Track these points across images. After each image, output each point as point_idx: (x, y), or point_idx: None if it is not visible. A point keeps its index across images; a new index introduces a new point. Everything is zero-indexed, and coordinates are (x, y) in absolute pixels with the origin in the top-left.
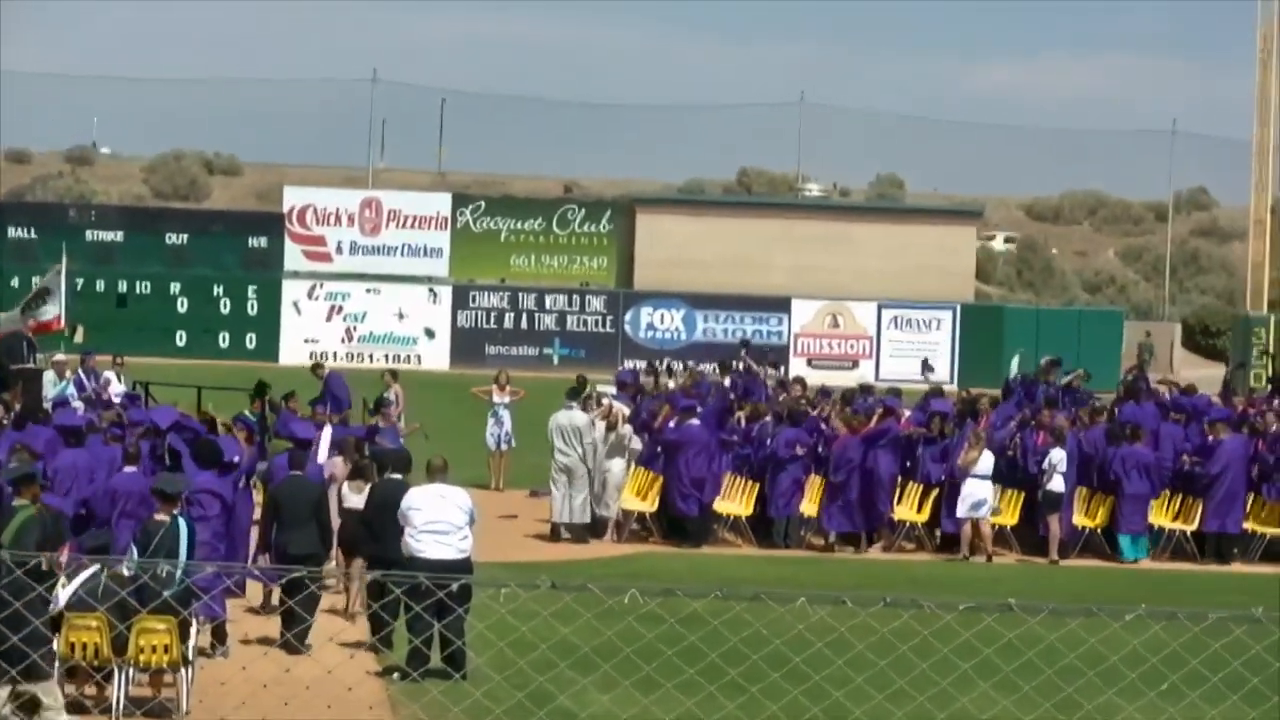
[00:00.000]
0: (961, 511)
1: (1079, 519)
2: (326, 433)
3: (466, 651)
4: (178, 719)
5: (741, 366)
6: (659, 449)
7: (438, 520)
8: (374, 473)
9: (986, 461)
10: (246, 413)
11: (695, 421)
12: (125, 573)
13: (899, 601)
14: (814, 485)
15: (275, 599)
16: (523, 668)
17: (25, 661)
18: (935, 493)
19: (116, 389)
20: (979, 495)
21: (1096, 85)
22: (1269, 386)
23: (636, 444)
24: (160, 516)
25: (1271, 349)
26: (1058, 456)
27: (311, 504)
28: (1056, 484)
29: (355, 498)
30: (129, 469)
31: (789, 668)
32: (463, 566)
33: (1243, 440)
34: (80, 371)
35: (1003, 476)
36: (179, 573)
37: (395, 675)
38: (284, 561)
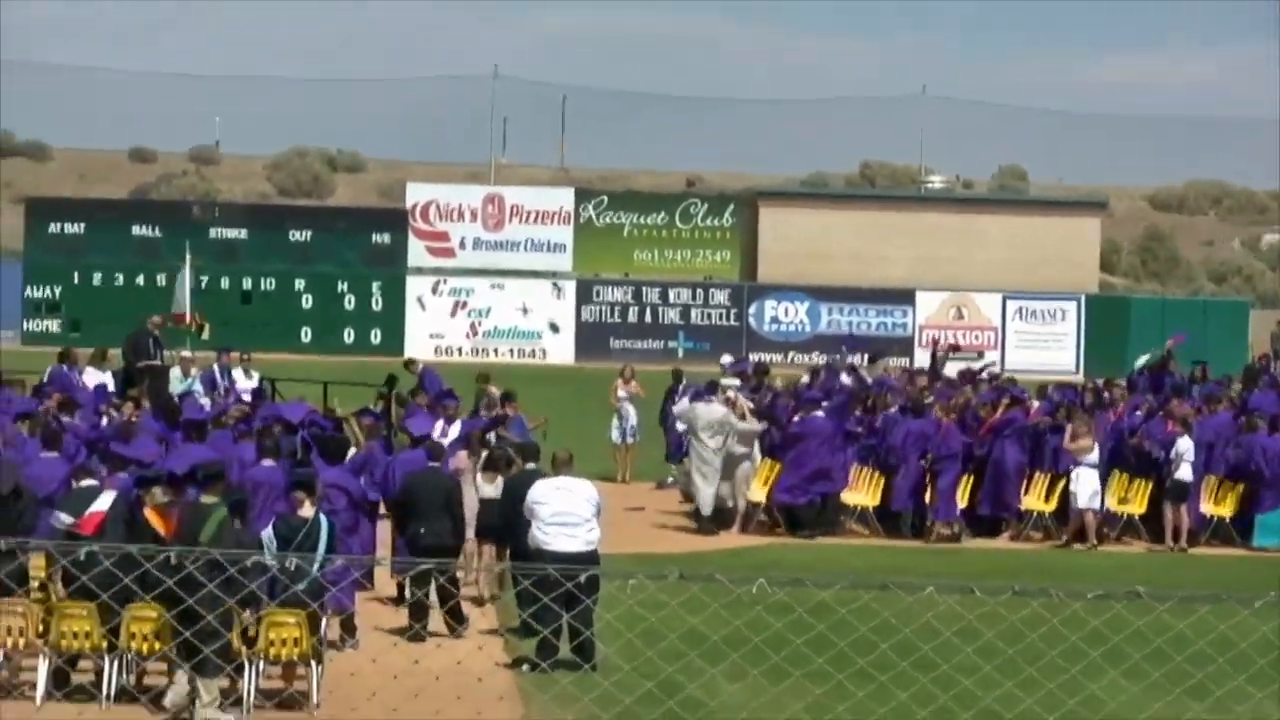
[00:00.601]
0: (1082, 502)
1: (1207, 507)
2: (455, 426)
3: (595, 642)
4: (309, 711)
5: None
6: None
7: (564, 513)
8: (504, 465)
9: (1095, 451)
10: (370, 407)
11: (819, 414)
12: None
13: (1027, 590)
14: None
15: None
16: (651, 658)
17: (199, 656)
18: (1062, 482)
19: (243, 385)
20: (1094, 485)
21: (1221, 75)
22: None
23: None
24: (304, 512)
25: None
26: (1184, 445)
27: (445, 495)
28: (1184, 473)
29: (489, 488)
30: (267, 462)
31: (917, 656)
32: (590, 558)
33: None
34: (215, 368)
35: (1130, 466)
36: (315, 568)
37: (525, 666)
38: (416, 552)
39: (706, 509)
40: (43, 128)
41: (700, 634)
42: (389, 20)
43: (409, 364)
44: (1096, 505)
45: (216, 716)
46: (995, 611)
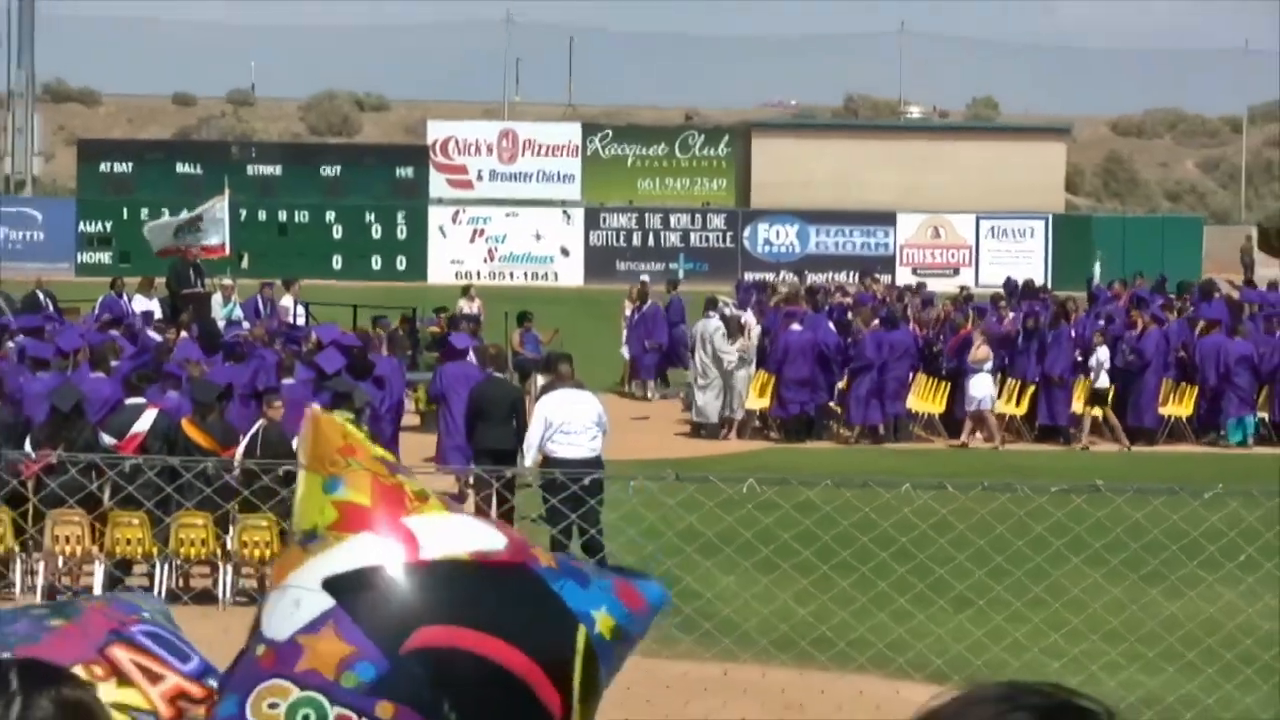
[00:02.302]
0: (983, 405)
1: (1168, 409)
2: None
3: (601, 539)
4: None
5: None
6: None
7: (569, 422)
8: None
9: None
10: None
11: (797, 327)
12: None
13: (995, 486)
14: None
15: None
16: (652, 553)
17: None
18: (1032, 388)
19: (284, 305)
20: (989, 388)
21: (1175, 10)
22: None
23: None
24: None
25: None
26: (1103, 355)
27: (510, 404)
28: (1102, 380)
29: None
30: (287, 381)
31: (896, 548)
32: (594, 463)
33: None
34: (258, 296)
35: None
36: None
37: None
38: (481, 455)
39: (704, 418)
40: (93, 75)
41: (696, 531)
42: None
43: (465, 290)
44: (988, 406)
45: None
46: (966, 506)
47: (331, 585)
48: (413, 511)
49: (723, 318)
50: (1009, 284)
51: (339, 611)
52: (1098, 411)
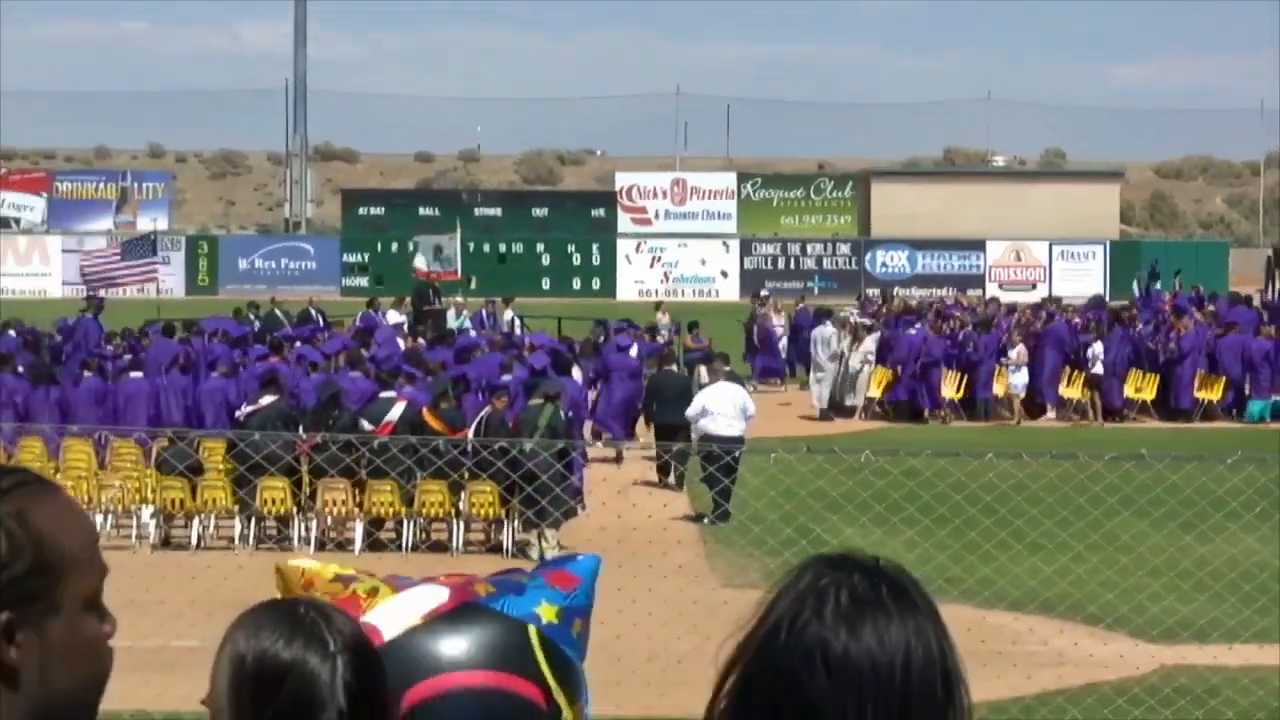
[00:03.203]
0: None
1: (1202, 393)
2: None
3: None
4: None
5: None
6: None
7: (721, 407)
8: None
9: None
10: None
11: (912, 332)
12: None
13: (1060, 454)
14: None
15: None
16: (788, 510)
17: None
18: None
19: (506, 319)
20: (1023, 378)
21: (1205, 75)
22: None
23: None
24: (534, 401)
25: None
26: (1098, 349)
27: (680, 390)
28: (1097, 369)
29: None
30: (507, 377)
31: (982, 504)
32: (737, 440)
33: None
34: (483, 311)
35: (1142, 364)
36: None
37: (705, 520)
38: (661, 431)
39: (821, 404)
40: (353, 139)
41: (824, 492)
42: (606, 52)
43: (658, 305)
44: (1021, 392)
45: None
46: (1038, 471)
47: None
48: (367, 609)
49: (844, 324)
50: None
51: None
52: (1087, 394)
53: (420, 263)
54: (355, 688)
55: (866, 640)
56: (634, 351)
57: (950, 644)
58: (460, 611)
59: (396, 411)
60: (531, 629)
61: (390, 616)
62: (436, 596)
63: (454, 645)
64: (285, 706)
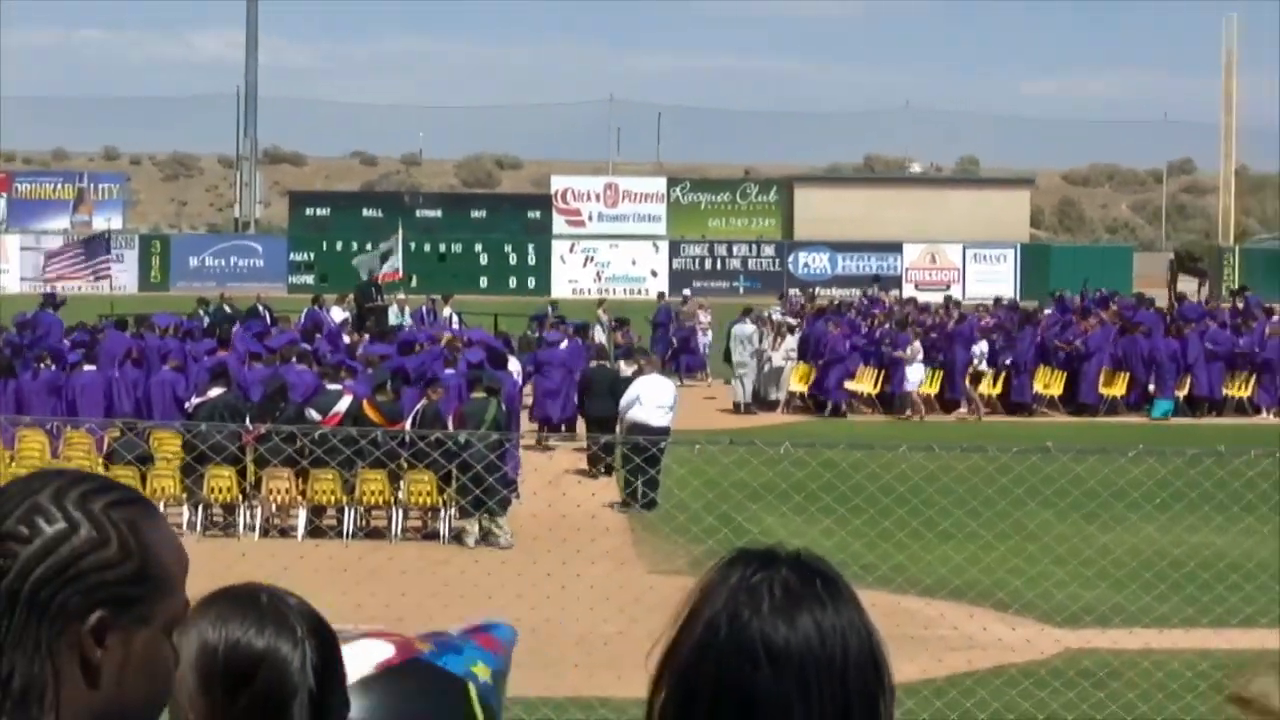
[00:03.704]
0: (910, 387)
1: (1107, 390)
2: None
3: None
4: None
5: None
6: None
7: (649, 399)
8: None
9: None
10: (527, 332)
11: (834, 330)
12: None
13: (970, 448)
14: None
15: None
16: (711, 499)
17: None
18: (1004, 375)
19: (445, 315)
20: (919, 375)
21: (1112, 88)
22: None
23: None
24: (477, 395)
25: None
26: (982, 347)
27: (610, 384)
28: (983, 365)
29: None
30: (448, 371)
31: (895, 494)
32: (664, 431)
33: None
34: (423, 308)
35: (1053, 361)
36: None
37: (626, 504)
38: (590, 422)
39: (743, 398)
40: (300, 142)
41: (745, 482)
42: (543, 61)
43: (600, 303)
44: (917, 388)
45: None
46: (949, 463)
47: None
48: None
49: (766, 322)
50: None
51: None
52: (980, 389)
53: (364, 264)
54: (321, 670)
55: (805, 631)
56: (564, 345)
57: (876, 631)
58: (409, 665)
59: (344, 404)
60: (470, 686)
61: (347, 665)
62: (384, 651)
63: (406, 697)
64: (260, 693)
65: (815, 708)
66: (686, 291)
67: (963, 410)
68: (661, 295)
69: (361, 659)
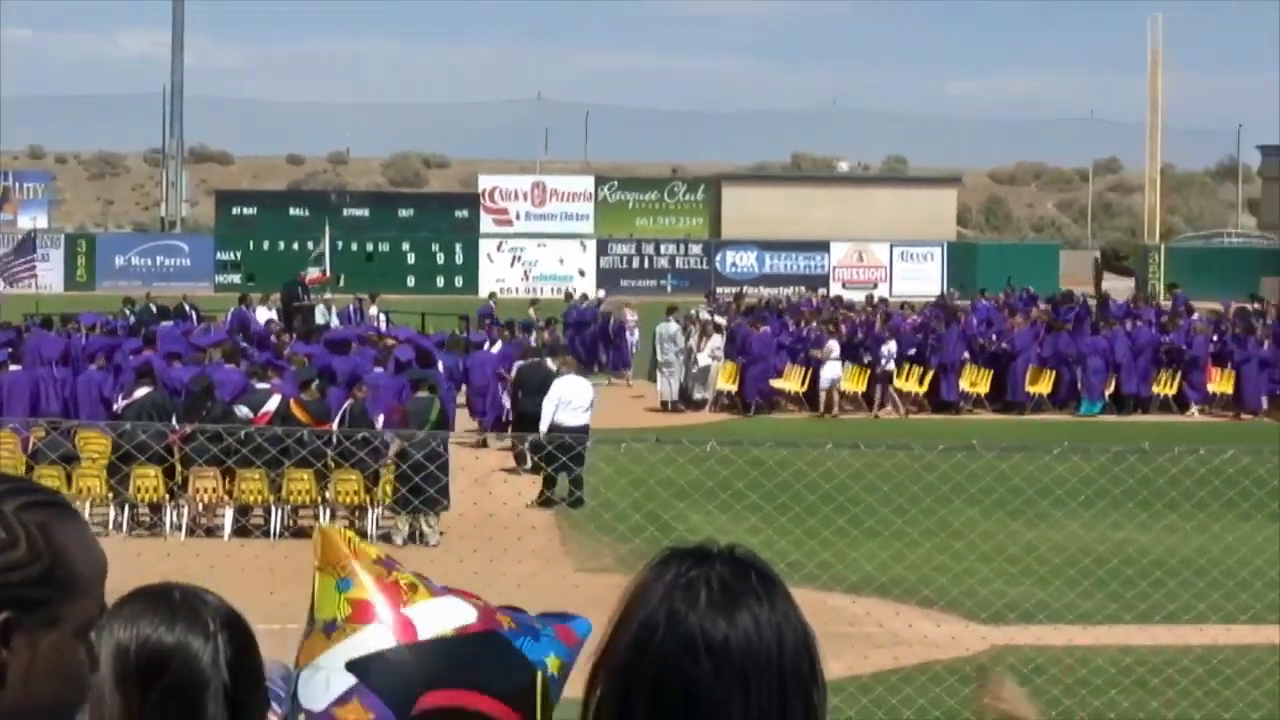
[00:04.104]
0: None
1: (1033, 387)
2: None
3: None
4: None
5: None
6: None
7: (571, 399)
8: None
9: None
10: (454, 330)
11: (766, 329)
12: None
13: (895, 445)
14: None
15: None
16: (638, 498)
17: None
18: (931, 372)
19: (372, 314)
20: (836, 372)
21: (1038, 87)
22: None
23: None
24: (421, 394)
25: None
26: (891, 347)
27: (541, 381)
28: (890, 365)
29: None
30: (378, 369)
31: (821, 492)
32: (584, 430)
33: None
34: (350, 307)
35: (977, 359)
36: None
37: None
38: (525, 418)
39: (669, 396)
40: (227, 141)
41: (672, 480)
42: (471, 60)
43: (533, 303)
44: (836, 384)
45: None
46: (875, 460)
47: (353, 666)
48: (408, 603)
49: (693, 321)
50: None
51: (361, 688)
52: (862, 387)
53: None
54: (235, 663)
55: (744, 626)
56: (497, 347)
57: (809, 625)
58: (488, 636)
59: (273, 403)
60: (539, 675)
61: (428, 618)
62: (467, 614)
63: (477, 666)
64: (171, 687)
65: (754, 701)
66: (601, 292)
67: (887, 409)
68: (569, 295)
69: (444, 619)
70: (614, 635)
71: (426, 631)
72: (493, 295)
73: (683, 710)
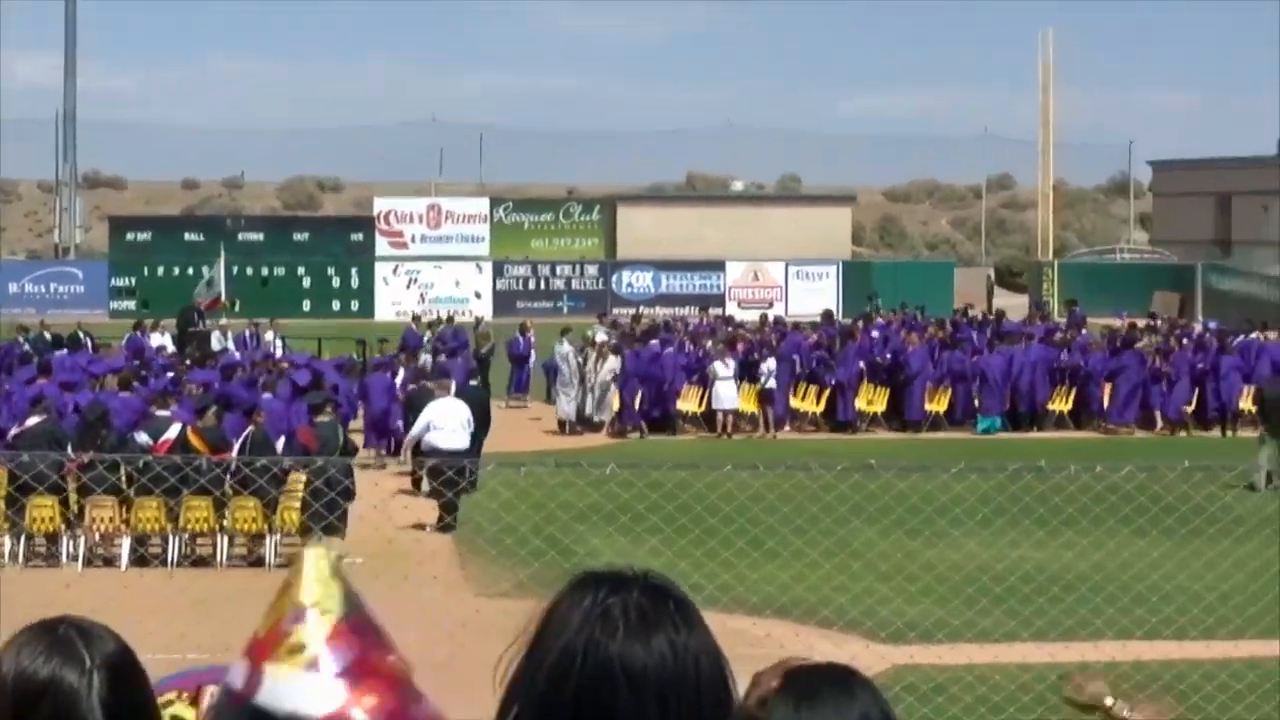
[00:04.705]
0: (726, 405)
1: (931, 405)
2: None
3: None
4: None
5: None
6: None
7: (446, 421)
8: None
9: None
10: (352, 355)
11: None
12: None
13: (795, 465)
14: (745, 389)
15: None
16: (537, 522)
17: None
18: (827, 392)
19: (268, 339)
20: (731, 391)
21: (931, 104)
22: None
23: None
24: (323, 419)
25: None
26: (770, 365)
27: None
28: (770, 383)
29: None
30: (266, 395)
31: (722, 514)
32: (464, 453)
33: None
34: (246, 332)
35: (875, 377)
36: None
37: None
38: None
39: (566, 418)
40: (120, 166)
41: (571, 504)
42: (365, 83)
43: (431, 325)
44: (732, 406)
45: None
46: (774, 481)
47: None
48: (274, 659)
49: (590, 343)
50: (826, 313)
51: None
52: (755, 407)
53: (202, 293)
54: (112, 702)
55: (661, 652)
56: (400, 375)
57: (722, 651)
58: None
59: (174, 430)
60: None
61: (274, 687)
62: (317, 704)
63: None
64: None
65: None
66: (485, 316)
67: (785, 429)
68: (444, 320)
69: (286, 695)
70: (530, 660)
71: (262, 698)
72: (416, 318)
73: None
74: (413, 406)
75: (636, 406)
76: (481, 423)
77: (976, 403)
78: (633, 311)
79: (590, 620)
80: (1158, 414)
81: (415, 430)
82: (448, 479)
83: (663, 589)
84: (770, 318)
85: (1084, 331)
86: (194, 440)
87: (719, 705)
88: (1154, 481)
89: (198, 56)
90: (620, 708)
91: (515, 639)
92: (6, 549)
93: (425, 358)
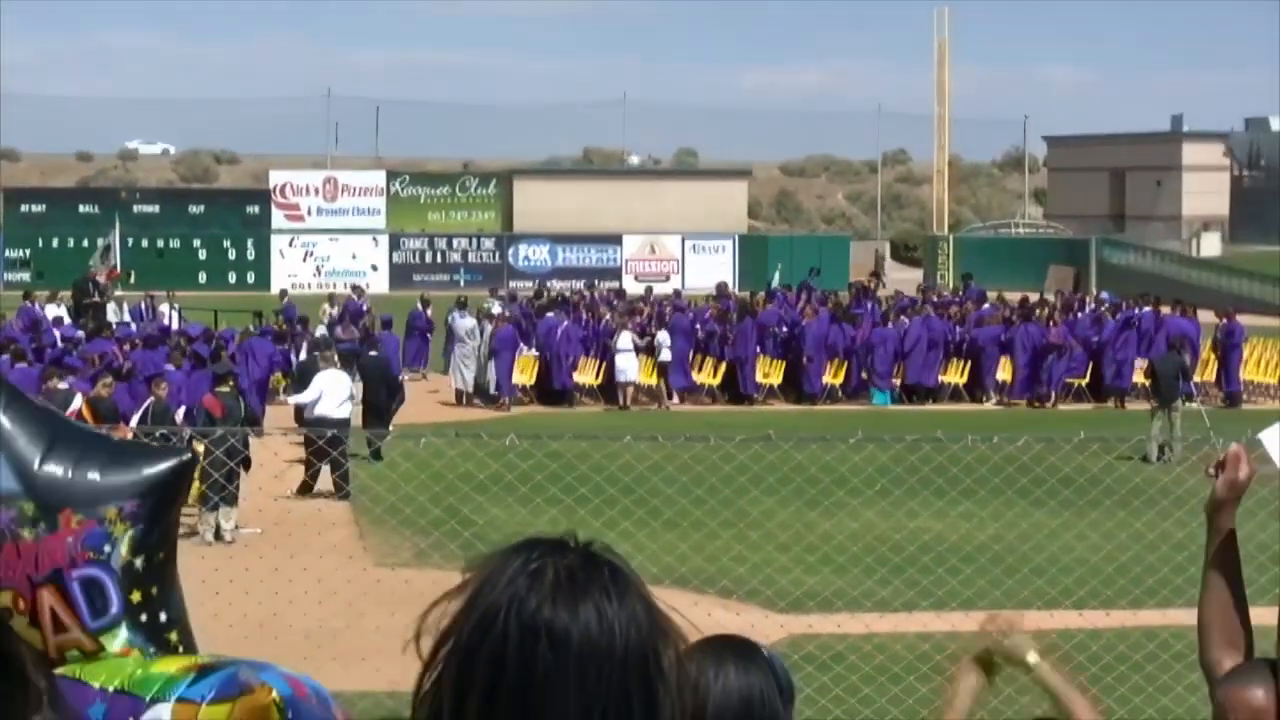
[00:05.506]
0: (630, 376)
1: (829, 378)
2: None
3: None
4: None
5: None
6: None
7: (333, 392)
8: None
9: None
10: (248, 327)
11: (550, 315)
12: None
13: (694, 437)
14: (644, 360)
15: None
16: (437, 492)
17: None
18: (723, 365)
19: (163, 311)
20: (633, 363)
21: (826, 80)
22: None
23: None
24: (224, 389)
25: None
26: (663, 337)
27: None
28: (665, 355)
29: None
30: (169, 367)
31: (621, 484)
32: (345, 423)
33: (936, 321)
34: (141, 304)
35: (775, 352)
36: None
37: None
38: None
39: (465, 388)
40: (14, 138)
41: (471, 474)
42: (260, 56)
43: (330, 298)
44: (633, 378)
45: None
46: (673, 452)
47: None
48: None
49: (487, 315)
50: (720, 285)
51: None
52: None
53: (96, 262)
54: None
55: (586, 619)
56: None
57: (662, 624)
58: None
59: (77, 402)
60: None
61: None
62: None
63: None
64: None
65: (593, 692)
66: (364, 288)
67: (675, 400)
68: (330, 297)
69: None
70: (458, 617)
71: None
72: (284, 293)
73: (520, 695)
74: (303, 376)
75: (515, 379)
76: (390, 392)
77: (865, 375)
78: (534, 285)
79: (519, 578)
80: (1051, 388)
81: (304, 397)
82: (318, 449)
83: (598, 557)
84: (653, 290)
85: (987, 305)
86: (85, 412)
87: (647, 678)
88: (1050, 453)
89: (92, 28)
90: (539, 668)
91: (449, 591)
92: None
93: (320, 329)
